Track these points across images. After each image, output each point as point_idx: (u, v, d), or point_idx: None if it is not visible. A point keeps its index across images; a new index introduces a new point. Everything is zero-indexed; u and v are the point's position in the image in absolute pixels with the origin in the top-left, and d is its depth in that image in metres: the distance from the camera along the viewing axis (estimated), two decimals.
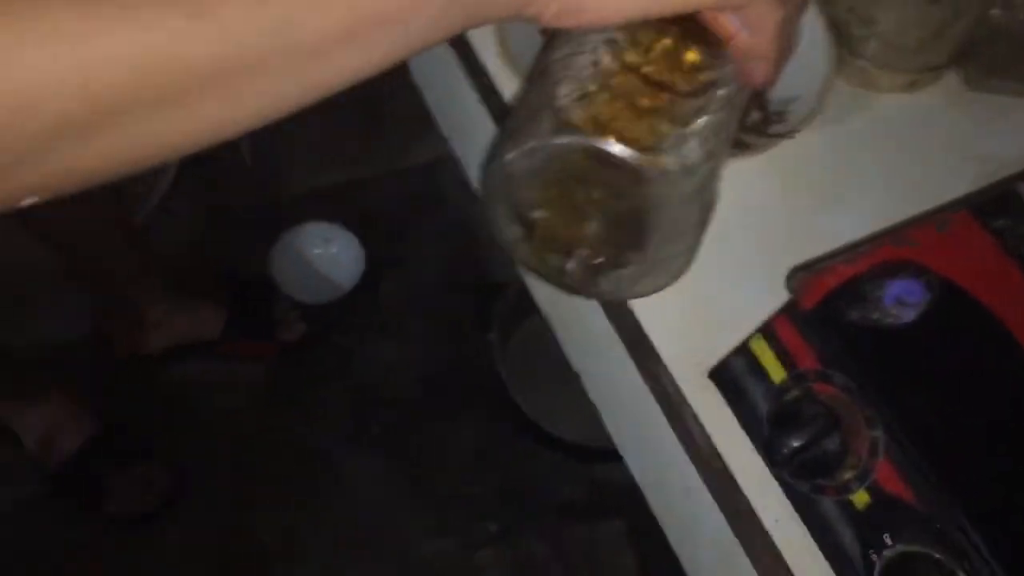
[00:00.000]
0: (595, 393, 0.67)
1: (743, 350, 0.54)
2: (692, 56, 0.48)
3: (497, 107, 0.65)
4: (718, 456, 0.55)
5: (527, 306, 1.40)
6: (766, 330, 0.53)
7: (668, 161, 0.46)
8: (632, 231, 0.50)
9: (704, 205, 0.51)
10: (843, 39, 0.67)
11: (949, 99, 0.69)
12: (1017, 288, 0.50)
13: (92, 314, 1.49)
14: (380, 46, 0.36)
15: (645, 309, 0.59)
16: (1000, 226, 0.52)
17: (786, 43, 0.49)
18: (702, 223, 0.51)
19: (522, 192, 0.50)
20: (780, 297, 0.54)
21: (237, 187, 1.56)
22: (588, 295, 0.57)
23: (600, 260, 0.52)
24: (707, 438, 0.55)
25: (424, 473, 1.41)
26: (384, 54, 0.37)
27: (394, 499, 1.39)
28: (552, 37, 0.51)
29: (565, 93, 0.46)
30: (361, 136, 1.59)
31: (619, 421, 0.65)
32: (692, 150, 0.47)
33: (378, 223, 1.57)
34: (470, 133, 0.72)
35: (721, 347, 0.56)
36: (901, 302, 0.49)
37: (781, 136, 0.63)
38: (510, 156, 0.48)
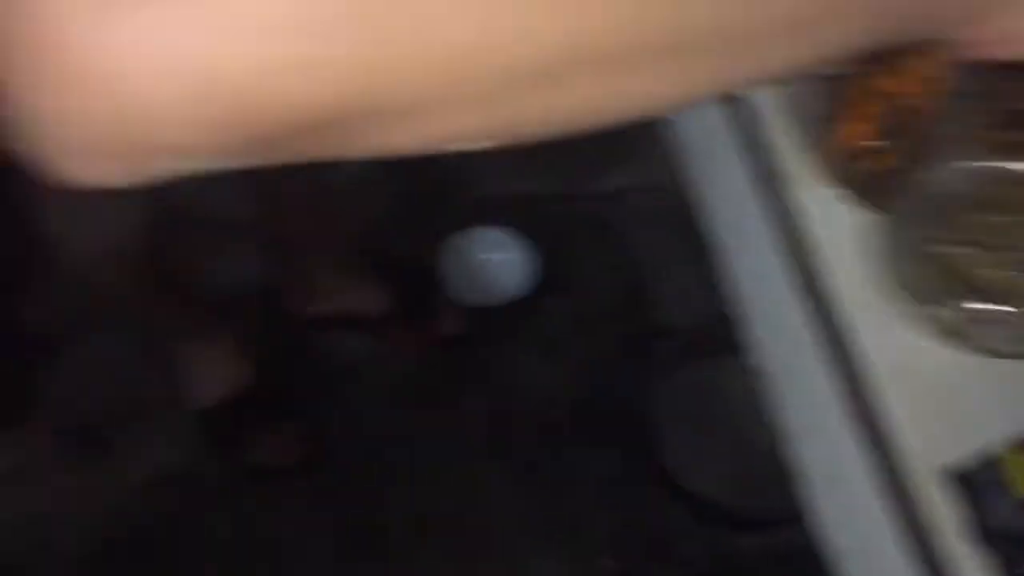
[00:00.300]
0: (810, 463, 0.65)
1: (994, 459, 0.51)
2: None
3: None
4: (950, 560, 0.52)
5: (688, 355, 1.39)
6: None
7: None
8: None
9: None
10: None
11: None
12: None
13: (266, 269, 1.54)
14: (824, 39, 0.34)
15: (891, 392, 0.57)
16: None
17: None
18: None
19: (937, 218, 0.48)
20: None
21: (431, 177, 1.59)
22: (959, 343, 0.55)
23: (993, 307, 0.50)
24: (938, 538, 0.53)
25: (553, 497, 1.41)
26: (819, 52, 0.34)
27: (520, 516, 1.39)
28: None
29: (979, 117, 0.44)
30: (558, 151, 1.60)
31: (830, 497, 0.63)
32: None
33: (556, 240, 1.58)
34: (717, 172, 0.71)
35: (966, 447, 0.53)
36: None
37: None
38: (933, 174, 0.46)
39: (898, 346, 0.58)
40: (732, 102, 0.68)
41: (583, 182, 1.61)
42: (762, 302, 0.69)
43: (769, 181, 0.65)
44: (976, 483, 0.52)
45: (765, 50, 0.33)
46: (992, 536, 0.51)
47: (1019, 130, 0.43)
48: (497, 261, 1.57)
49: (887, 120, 0.63)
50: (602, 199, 1.60)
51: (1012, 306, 0.50)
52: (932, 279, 0.50)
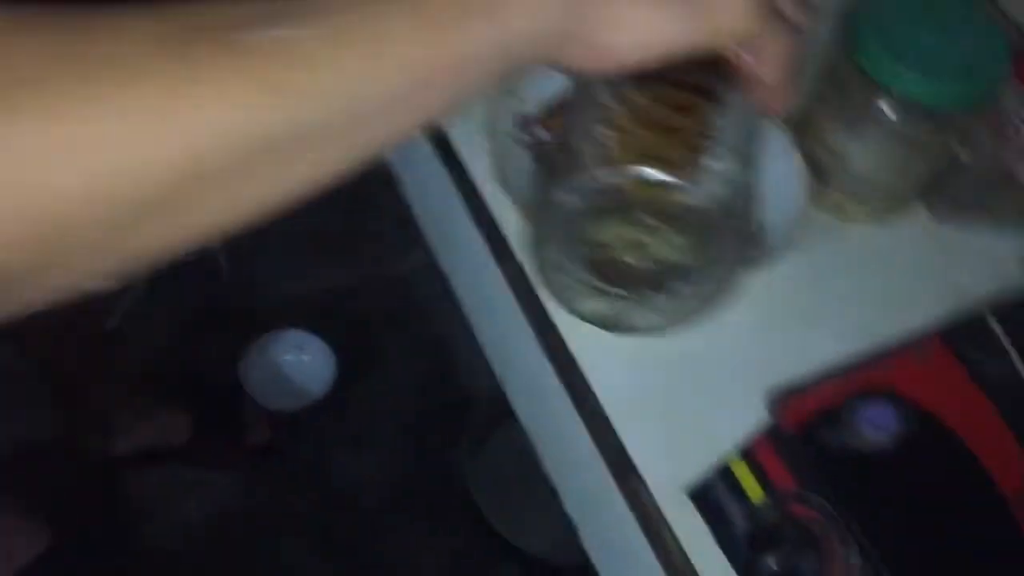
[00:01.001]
0: (574, 509, 0.67)
1: (722, 470, 0.55)
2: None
3: (488, 226, 0.67)
4: (696, 574, 0.55)
5: (497, 419, 1.41)
6: (745, 451, 0.54)
7: (703, 177, 0.48)
8: (672, 260, 0.52)
9: (741, 233, 0.53)
10: (817, 172, 0.70)
11: (918, 230, 0.72)
12: (988, 420, 0.52)
13: (57, 418, 1.46)
14: (434, 101, 0.37)
15: (627, 426, 0.60)
16: (971, 357, 0.54)
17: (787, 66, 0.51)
18: (737, 252, 0.54)
19: (574, 230, 0.52)
20: (757, 417, 0.55)
21: (211, 293, 1.56)
22: (627, 330, 0.59)
23: (644, 293, 0.54)
24: (685, 557, 0.55)
25: None
26: (435, 108, 0.37)
27: None
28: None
29: (601, 128, 0.49)
30: (340, 244, 1.61)
31: (597, 538, 0.65)
32: (723, 165, 0.50)
33: (353, 332, 1.57)
34: (458, 248, 0.73)
35: (701, 466, 0.56)
36: (877, 428, 0.50)
37: (758, 263, 0.65)
38: (560, 193, 0.50)
39: (628, 382, 0.61)
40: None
41: (369, 270, 1.62)
42: (509, 361, 0.71)
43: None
44: (713, 495, 0.55)
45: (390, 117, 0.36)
46: (733, 544, 0.54)
47: (644, 136, 0.48)
48: (297, 363, 1.55)
49: None
50: (394, 283, 1.61)
51: (652, 290, 0.55)
52: (576, 278, 0.54)
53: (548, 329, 0.63)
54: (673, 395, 0.61)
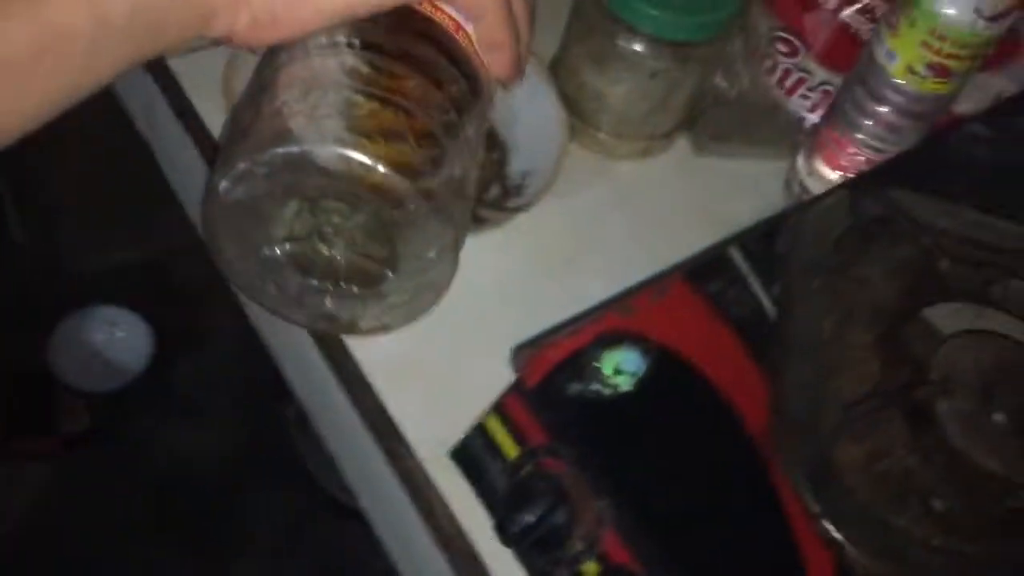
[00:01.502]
0: (352, 476, 0.65)
1: (479, 429, 0.54)
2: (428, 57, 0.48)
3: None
4: (463, 536, 0.54)
5: None
6: (498, 407, 0.53)
7: (402, 168, 0.45)
8: (378, 249, 0.49)
9: (455, 220, 0.50)
10: (577, 111, 0.70)
11: (681, 164, 0.72)
12: (728, 351, 0.52)
13: None
14: (70, 63, 0.36)
15: (389, 388, 0.58)
16: (712, 289, 0.54)
17: (517, 26, 0.50)
18: (454, 241, 0.50)
19: (252, 225, 0.48)
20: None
21: (7, 271, 1.47)
22: (351, 332, 0.55)
23: (355, 290, 0.51)
24: (451, 518, 0.55)
25: (233, 561, 1.35)
26: (74, 73, 0.37)
27: None
28: (268, 51, 0.49)
29: (279, 106, 0.45)
30: (143, 212, 1.53)
31: (374, 503, 0.63)
32: (433, 156, 0.47)
33: (167, 304, 1.51)
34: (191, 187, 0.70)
35: (463, 425, 0.55)
36: (620, 372, 0.50)
37: (519, 209, 0.64)
38: (225, 183, 0.45)
39: (388, 343, 0.59)
40: None
41: (178, 237, 1.55)
42: (278, 332, 0.68)
43: None
44: (471, 454, 0.54)
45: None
46: (495, 501, 0.53)
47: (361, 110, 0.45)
48: (111, 340, 1.48)
49: None
50: (204, 248, 1.54)
51: (364, 287, 0.52)
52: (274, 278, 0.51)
53: None
54: (434, 353, 0.59)
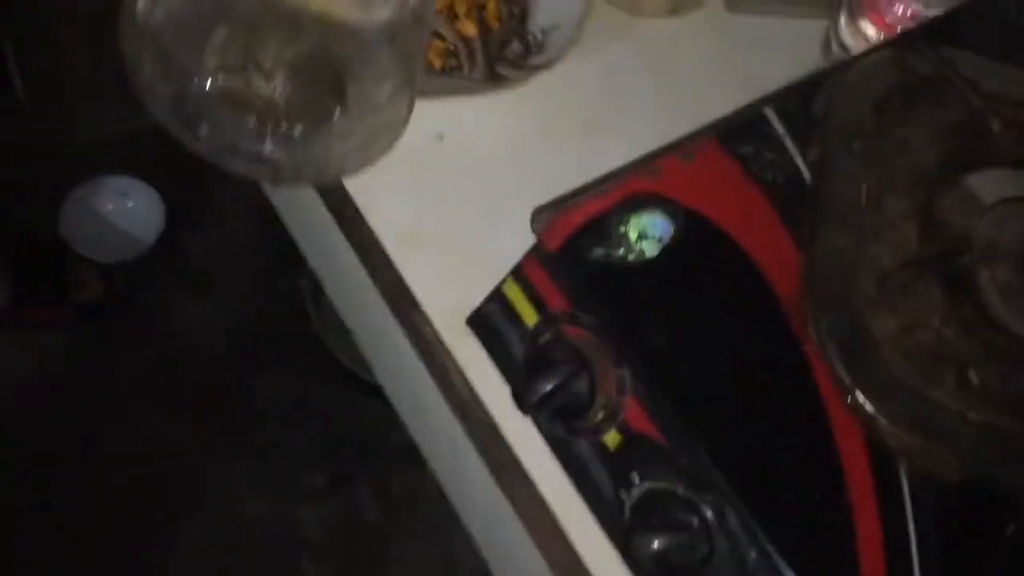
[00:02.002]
0: (368, 348, 0.64)
1: (497, 295, 0.52)
2: None
3: None
4: (481, 405, 0.53)
5: None
6: (517, 273, 0.51)
7: None
8: (325, 86, 0.45)
9: (411, 52, 0.45)
10: None
11: (711, 22, 0.68)
12: (761, 215, 0.49)
13: None
14: None
15: (404, 255, 0.56)
16: (745, 152, 0.51)
17: None
18: (410, 77, 0.46)
19: (179, 49, 0.44)
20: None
21: (16, 140, 1.44)
22: (295, 182, 0.51)
23: (298, 132, 0.46)
24: (469, 387, 0.53)
25: (242, 430, 1.36)
26: None
27: (212, 460, 1.33)
28: None
29: None
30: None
31: (390, 375, 0.62)
32: None
33: (179, 172, 1.48)
34: None
35: (480, 293, 0.53)
36: (645, 236, 0.48)
37: (540, 67, 0.61)
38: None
39: (402, 210, 0.57)
40: None
41: None
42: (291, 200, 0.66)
43: None
44: (490, 321, 0.53)
45: None
46: (513, 369, 0.52)
47: None
48: (123, 210, 1.46)
49: None
50: None
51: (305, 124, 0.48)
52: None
53: None
54: (451, 219, 0.57)
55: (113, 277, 1.42)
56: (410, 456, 1.35)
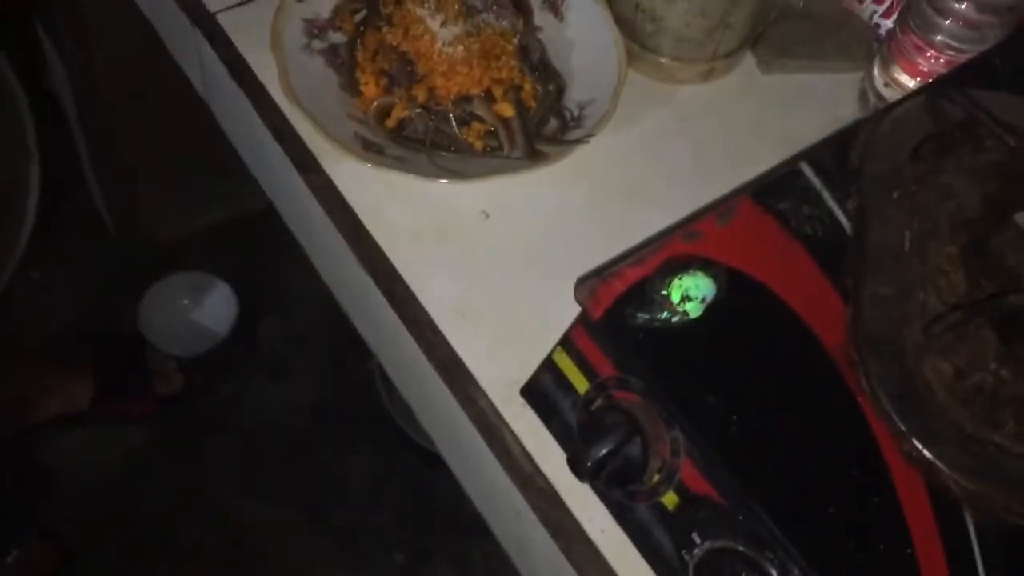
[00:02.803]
0: (427, 422, 0.65)
1: (548, 364, 0.53)
2: None
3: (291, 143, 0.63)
4: (540, 474, 0.54)
5: None
6: (566, 342, 0.52)
7: None
8: None
9: None
10: (635, 36, 0.67)
11: (746, 85, 0.69)
12: (802, 268, 0.50)
13: None
14: None
15: (456, 331, 0.57)
16: (782, 207, 0.52)
17: None
18: None
19: None
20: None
21: (96, 245, 1.51)
22: None
23: None
24: (528, 457, 0.54)
25: (323, 509, 1.38)
26: None
27: (295, 539, 1.35)
28: None
29: None
30: (219, 177, 1.55)
31: (451, 448, 0.63)
32: None
33: (248, 265, 1.53)
34: (273, 170, 0.70)
35: (532, 364, 0.55)
36: (688, 298, 0.48)
37: (578, 141, 0.62)
38: None
39: (450, 285, 0.58)
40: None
41: (253, 201, 1.57)
42: (338, 274, 0.68)
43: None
44: (542, 390, 0.54)
45: None
46: (568, 436, 0.52)
47: None
48: (197, 305, 1.51)
49: (398, 69, 0.63)
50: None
51: None
52: None
53: (362, 238, 0.60)
54: (499, 293, 0.58)
55: (192, 369, 1.47)
56: (487, 528, 1.36)
